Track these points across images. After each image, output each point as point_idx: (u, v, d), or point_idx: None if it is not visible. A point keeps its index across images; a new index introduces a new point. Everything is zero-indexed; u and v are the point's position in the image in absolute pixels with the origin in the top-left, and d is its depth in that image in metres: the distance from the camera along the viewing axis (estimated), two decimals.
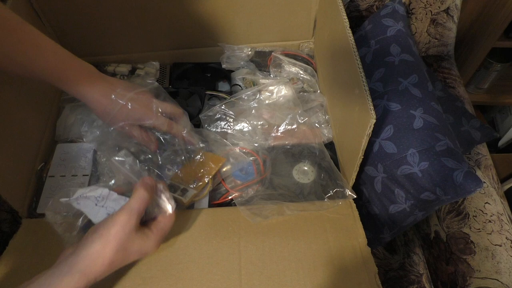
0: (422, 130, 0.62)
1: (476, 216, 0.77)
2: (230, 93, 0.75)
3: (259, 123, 0.67)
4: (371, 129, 0.48)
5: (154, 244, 0.46)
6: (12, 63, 0.49)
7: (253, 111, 0.68)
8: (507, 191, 1.21)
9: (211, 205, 0.60)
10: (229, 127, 0.67)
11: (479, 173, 0.85)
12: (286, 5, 0.73)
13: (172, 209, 0.49)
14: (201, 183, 0.59)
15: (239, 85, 0.75)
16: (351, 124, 0.57)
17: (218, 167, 0.61)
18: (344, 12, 0.58)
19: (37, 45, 0.49)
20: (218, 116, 0.68)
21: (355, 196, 0.58)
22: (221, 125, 0.68)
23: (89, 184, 0.62)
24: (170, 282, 0.50)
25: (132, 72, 0.77)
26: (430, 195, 0.59)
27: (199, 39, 0.78)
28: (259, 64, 0.79)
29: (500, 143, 1.40)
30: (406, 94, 0.67)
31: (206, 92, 0.73)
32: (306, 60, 0.79)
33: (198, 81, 0.77)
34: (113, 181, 0.52)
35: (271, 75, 0.77)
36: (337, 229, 0.55)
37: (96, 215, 0.46)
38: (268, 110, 0.68)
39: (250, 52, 0.78)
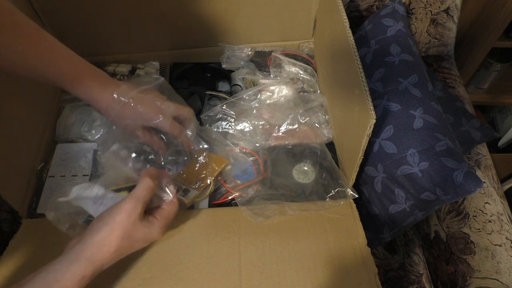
0: (422, 130, 0.62)
1: (476, 216, 0.77)
2: (230, 93, 0.75)
3: (260, 123, 0.67)
4: (371, 129, 0.48)
5: (159, 231, 0.47)
6: (25, 67, 0.49)
7: (254, 111, 0.68)
8: (507, 191, 1.21)
9: (211, 205, 0.60)
10: (230, 127, 0.68)
11: (479, 173, 0.85)
12: (286, 5, 0.73)
13: (172, 194, 0.49)
14: (203, 184, 0.59)
15: (239, 85, 0.75)
16: (351, 124, 0.57)
17: (220, 168, 0.61)
18: (344, 12, 0.58)
19: (51, 50, 0.50)
20: (219, 116, 0.68)
21: (357, 196, 0.58)
22: (222, 125, 0.68)
23: None
24: (170, 283, 0.50)
25: (132, 72, 0.77)
26: (430, 195, 0.59)
27: (199, 39, 0.78)
28: (259, 64, 0.79)
29: (500, 143, 1.40)
30: (406, 94, 0.67)
31: (206, 92, 0.73)
32: (306, 60, 0.79)
33: (198, 81, 0.76)
34: (107, 177, 0.52)
35: (271, 75, 0.77)
36: (337, 229, 0.55)
37: (96, 212, 0.47)
38: (268, 110, 0.68)
39: (250, 52, 0.78)
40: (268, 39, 0.80)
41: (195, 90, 0.73)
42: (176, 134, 0.58)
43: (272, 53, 0.78)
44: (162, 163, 0.61)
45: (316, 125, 0.69)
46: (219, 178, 0.62)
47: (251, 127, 0.67)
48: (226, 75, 0.78)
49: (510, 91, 1.30)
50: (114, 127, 0.61)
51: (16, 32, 0.47)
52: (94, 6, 0.69)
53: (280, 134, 0.67)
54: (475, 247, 0.73)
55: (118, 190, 0.49)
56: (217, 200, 0.61)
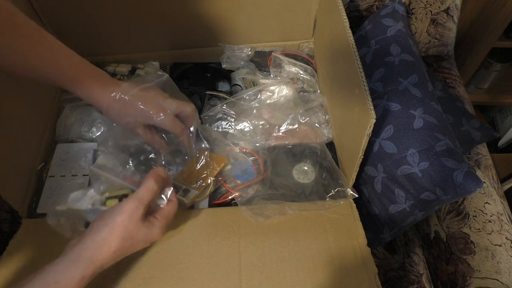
0: (422, 130, 0.62)
1: (476, 216, 0.77)
2: (230, 93, 0.75)
3: (260, 123, 0.67)
4: (371, 129, 0.48)
5: (159, 232, 0.47)
6: (25, 67, 0.49)
7: (254, 111, 0.68)
8: (507, 191, 1.21)
9: (211, 205, 0.60)
10: (230, 127, 0.68)
11: (479, 173, 0.85)
12: (286, 5, 0.73)
13: (170, 193, 0.49)
14: (204, 184, 0.59)
15: (239, 85, 0.75)
16: (351, 124, 0.57)
17: (220, 167, 0.61)
18: (344, 12, 0.58)
19: (51, 50, 0.50)
20: (219, 116, 0.68)
21: (357, 196, 0.58)
22: (222, 125, 0.68)
23: (89, 185, 0.62)
24: (170, 283, 0.50)
25: (132, 72, 0.77)
26: (430, 195, 0.59)
27: (199, 39, 0.78)
28: (259, 64, 0.79)
29: (500, 143, 1.40)
30: (406, 94, 0.67)
31: (206, 92, 0.73)
32: (306, 60, 0.79)
33: (198, 81, 0.76)
34: (98, 186, 0.52)
35: (271, 75, 0.77)
36: (337, 229, 0.55)
37: (94, 217, 0.47)
38: (269, 110, 0.68)
39: (250, 52, 0.78)
40: (268, 39, 0.80)
41: (195, 90, 0.73)
42: (177, 132, 0.57)
43: (272, 53, 0.78)
44: (163, 162, 0.61)
45: (316, 125, 0.69)
46: (219, 178, 0.62)
47: (251, 127, 0.67)
48: (226, 75, 0.78)
49: (510, 91, 1.30)
50: (114, 125, 0.60)
51: (16, 32, 0.47)
52: (94, 6, 0.69)
53: (280, 134, 0.67)
54: (475, 247, 0.73)
55: (109, 198, 0.49)
56: (217, 200, 0.61)
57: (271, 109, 0.68)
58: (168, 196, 0.49)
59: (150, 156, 0.61)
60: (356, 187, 0.64)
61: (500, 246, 0.73)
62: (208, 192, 0.59)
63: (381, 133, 0.64)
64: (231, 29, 0.76)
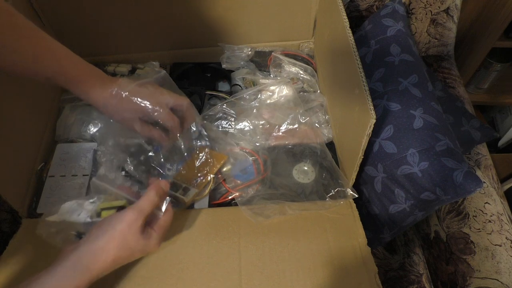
0: (422, 130, 0.62)
1: (476, 216, 0.77)
2: (230, 93, 0.75)
3: (260, 123, 0.67)
4: (371, 129, 0.48)
5: (156, 242, 0.47)
6: (25, 67, 0.50)
7: (254, 111, 0.68)
8: (507, 191, 1.21)
9: (211, 205, 0.60)
10: (230, 127, 0.68)
11: (479, 173, 0.85)
12: (286, 5, 0.73)
13: (166, 204, 0.49)
14: (204, 181, 0.59)
15: (239, 85, 0.75)
16: (351, 124, 0.57)
17: (220, 164, 0.61)
18: (344, 12, 0.58)
19: (50, 50, 0.51)
20: (219, 115, 0.68)
21: (357, 196, 0.58)
22: (222, 124, 0.68)
23: (88, 184, 0.62)
24: (170, 282, 0.50)
25: (132, 72, 0.77)
26: (430, 195, 0.59)
27: (199, 39, 0.78)
28: (259, 64, 0.79)
29: (500, 143, 1.40)
30: (406, 94, 0.67)
31: (206, 92, 0.73)
32: (306, 60, 0.79)
33: (198, 81, 0.76)
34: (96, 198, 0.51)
35: (271, 75, 0.77)
36: (337, 229, 0.55)
37: (87, 228, 0.47)
38: (269, 110, 0.68)
39: (250, 52, 0.78)
40: (268, 39, 0.80)
41: (195, 90, 0.73)
42: (173, 126, 0.56)
43: (272, 53, 0.78)
44: (162, 160, 0.61)
45: (316, 125, 0.69)
46: (219, 176, 0.62)
47: (251, 127, 0.67)
48: (226, 75, 0.78)
49: (510, 91, 1.30)
50: (111, 121, 0.59)
51: (16, 32, 0.47)
52: (94, 6, 0.69)
53: (280, 134, 0.67)
54: (475, 247, 0.73)
55: (105, 209, 0.49)
56: (217, 200, 0.61)
57: (271, 109, 0.68)
58: (164, 207, 0.49)
59: (149, 154, 0.61)
60: (356, 187, 0.64)
61: (500, 246, 0.73)
62: (208, 190, 0.59)
63: (381, 133, 0.64)
64: (231, 29, 0.76)
